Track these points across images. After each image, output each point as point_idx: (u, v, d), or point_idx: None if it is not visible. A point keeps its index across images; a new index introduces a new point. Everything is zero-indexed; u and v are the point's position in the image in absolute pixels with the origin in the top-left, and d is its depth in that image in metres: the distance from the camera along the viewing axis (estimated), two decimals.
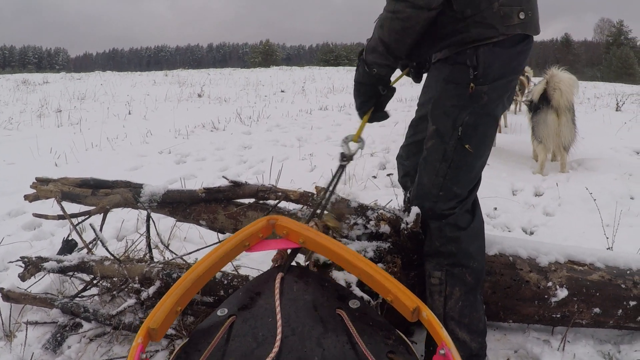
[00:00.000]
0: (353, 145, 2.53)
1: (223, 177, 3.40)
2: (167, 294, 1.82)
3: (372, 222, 2.75)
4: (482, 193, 2.64)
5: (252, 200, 3.30)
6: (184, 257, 3.20)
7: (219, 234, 3.35)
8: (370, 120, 2.46)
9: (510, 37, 2.15)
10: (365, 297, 2.14)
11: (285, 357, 1.57)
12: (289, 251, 2.19)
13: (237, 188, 3.26)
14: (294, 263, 2.18)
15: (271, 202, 3.27)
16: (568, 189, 5.89)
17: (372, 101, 2.37)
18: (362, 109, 2.41)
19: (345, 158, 2.56)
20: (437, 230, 2.42)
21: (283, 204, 3.28)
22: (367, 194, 5.37)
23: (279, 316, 1.72)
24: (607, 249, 3.76)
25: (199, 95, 16.76)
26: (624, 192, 5.79)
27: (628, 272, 2.76)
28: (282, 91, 19.01)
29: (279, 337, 1.62)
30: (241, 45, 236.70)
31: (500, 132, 10.00)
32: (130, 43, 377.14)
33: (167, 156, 7.51)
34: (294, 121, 10.75)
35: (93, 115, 12.26)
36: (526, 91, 12.04)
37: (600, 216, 4.27)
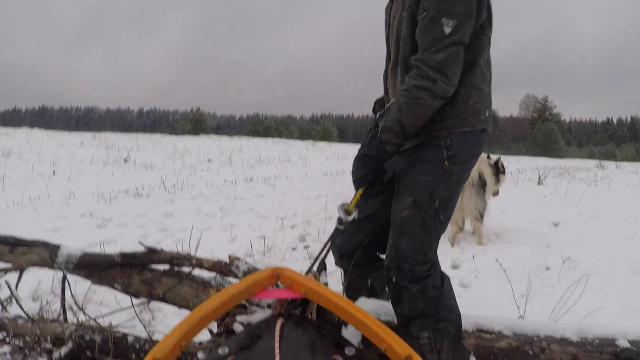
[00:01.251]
0: (347, 213, 2.66)
1: (139, 242, 3.46)
2: (174, 329, 1.86)
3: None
4: None
5: (167, 266, 3.36)
6: (97, 320, 3.23)
7: (132, 298, 3.37)
8: (363, 192, 2.66)
9: (476, 129, 2.53)
10: None
11: None
12: (288, 299, 2.25)
13: (152, 254, 3.32)
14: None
15: (186, 269, 3.34)
16: (485, 260, 6.11)
17: (374, 174, 2.61)
18: (363, 180, 2.62)
19: (342, 224, 2.70)
20: (420, 293, 2.53)
21: (198, 272, 3.35)
22: (285, 265, 5.44)
23: (277, 358, 1.70)
24: (519, 317, 3.96)
25: (125, 160, 16.71)
26: (540, 263, 6.08)
27: (536, 338, 2.89)
28: (209, 160, 19.07)
29: None
30: (172, 111, 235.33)
31: None
32: (60, 101, 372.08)
33: (88, 220, 7.47)
34: (218, 191, 10.81)
35: (17, 172, 12.13)
36: None
37: (511, 287, 4.46)
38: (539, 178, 15.67)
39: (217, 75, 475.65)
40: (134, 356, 2.88)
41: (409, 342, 2.33)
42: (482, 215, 7.33)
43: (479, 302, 4.74)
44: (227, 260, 3.22)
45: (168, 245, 6.14)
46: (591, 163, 30.84)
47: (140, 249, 3.37)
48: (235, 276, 3.14)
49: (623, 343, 3.07)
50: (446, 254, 6.51)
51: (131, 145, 23.95)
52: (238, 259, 3.19)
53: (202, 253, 5.68)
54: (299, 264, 5.25)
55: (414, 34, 2.48)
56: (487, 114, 2.57)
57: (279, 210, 8.75)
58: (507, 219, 8.35)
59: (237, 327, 2.43)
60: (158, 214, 8.13)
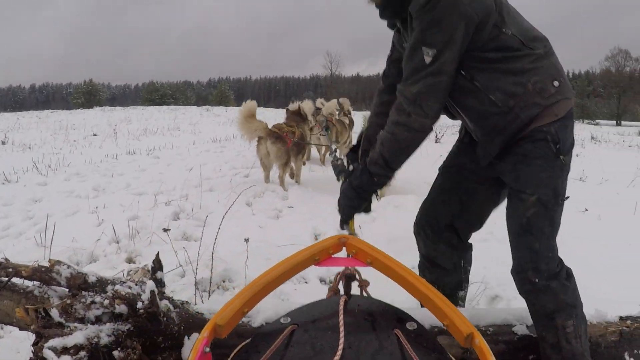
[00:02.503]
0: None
1: None
2: (237, 295, 1.92)
3: (106, 302, 2.55)
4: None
5: None
6: None
7: None
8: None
9: (568, 113, 2.47)
10: None
11: None
12: (340, 284, 2.31)
13: None
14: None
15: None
16: (374, 228, 6.19)
17: (366, 203, 2.76)
18: (358, 209, 2.76)
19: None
20: (561, 287, 2.59)
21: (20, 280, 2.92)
22: (151, 250, 5.13)
23: (342, 329, 1.76)
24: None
25: (3, 143, 15.69)
26: None
27: None
28: (94, 134, 18.27)
29: (340, 347, 1.67)
30: (65, 85, 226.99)
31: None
32: None
33: None
34: (96, 168, 10.25)
35: None
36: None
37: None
38: (436, 136, 15.70)
39: (112, 45, 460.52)
40: None
41: (553, 333, 2.64)
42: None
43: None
44: (48, 265, 2.83)
45: (30, 235, 5.68)
46: None
47: None
48: (58, 284, 2.77)
49: (521, 329, 2.96)
50: None
51: (12, 125, 22.67)
52: (59, 262, 2.81)
53: (64, 242, 5.31)
54: (166, 247, 4.88)
55: None
56: (555, 84, 2.44)
57: (158, 184, 8.30)
58: (401, 181, 8.31)
59: (47, 354, 2.26)
60: (25, 200, 7.51)
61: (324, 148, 11.98)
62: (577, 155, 14.15)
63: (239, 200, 7.26)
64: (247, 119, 8.42)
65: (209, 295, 4.09)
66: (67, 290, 2.77)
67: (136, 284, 2.72)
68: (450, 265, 3.18)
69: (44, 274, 2.81)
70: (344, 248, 2.31)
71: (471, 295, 3.99)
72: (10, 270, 2.85)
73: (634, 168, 12.71)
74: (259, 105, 8.93)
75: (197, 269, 4.23)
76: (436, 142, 15.25)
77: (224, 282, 4.47)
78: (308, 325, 1.90)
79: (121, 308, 2.53)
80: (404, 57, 2.45)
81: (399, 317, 1.95)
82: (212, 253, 4.41)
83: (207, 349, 1.68)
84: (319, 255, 2.24)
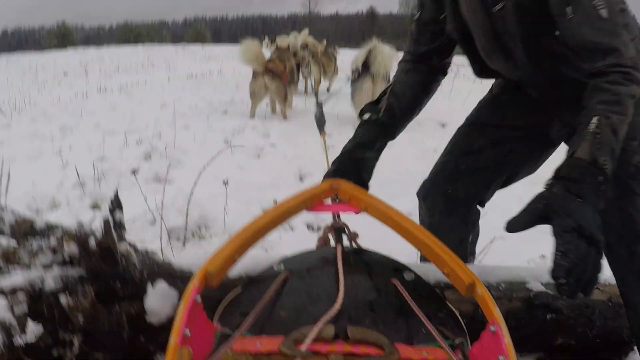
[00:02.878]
0: None
1: None
2: (227, 243, 1.84)
3: (53, 241, 2.15)
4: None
5: None
6: None
7: None
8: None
9: None
10: None
11: (339, 316, 1.60)
12: (330, 236, 2.26)
13: None
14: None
15: None
16: None
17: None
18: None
19: None
20: None
21: None
22: (119, 195, 4.65)
23: (341, 277, 1.75)
24: None
25: None
26: (426, 172, 5.53)
27: None
28: (65, 74, 17.62)
29: (341, 295, 1.66)
30: (38, 29, 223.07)
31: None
32: None
33: None
34: (64, 107, 9.71)
35: None
36: (338, 62, 13.00)
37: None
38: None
39: None
40: None
41: None
42: None
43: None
44: None
45: None
46: None
47: None
48: (1, 232, 2.31)
49: (536, 286, 2.66)
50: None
51: None
52: (1, 209, 2.37)
53: (23, 187, 4.81)
54: (134, 191, 4.40)
55: (527, 28, 2.04)
56: None
57: (130, 123, 7.80)
58: None
59: None
60: None
61: (310, 80, 11.86)
62: None
63: (216, 138, 6.86)
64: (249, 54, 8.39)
65: (184, 244, 3.66)
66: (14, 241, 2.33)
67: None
68: (457, 240, 2.81)
69: None
70: (337, 194, 2.26)
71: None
72: None
73: None
74: (235, 43, 8.73)
75: (162, 212, 3.87)
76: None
77: (200, 229, 4.07)
78: (302, 273, 1.89)
79: (71, 248, 2.15)
80: (575, 26, 1.89)
81: (396, 267, 1.95)
82: (190, 197, 3.93)
83: (199, 299, 1.61)
84: (311, 201, 2.18)
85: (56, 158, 6.04)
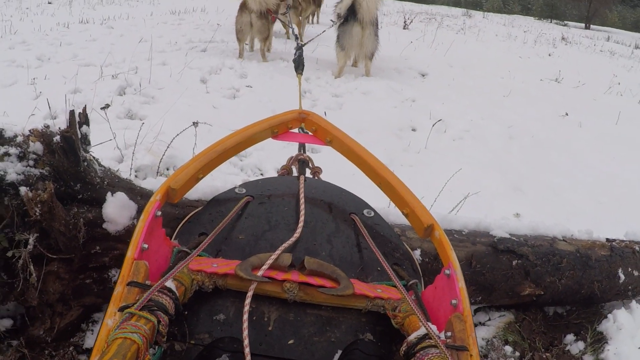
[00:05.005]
0: None
1: None
2: (192, 160, 1.90)
3: (19, 139, 2.22)
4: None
5: None
6: None
7: None
8: None
9: None
10: None
11: (297, 245, 1.67)
12: (293, 168, 2.30)
13: None
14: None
15: None
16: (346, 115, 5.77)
17: None
18: None
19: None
20: None
21: None
22: (89, 129, 4.63)
23: (302, 207, 1.79)
24: None
25: None
26: (405, 122, 5.85)
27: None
28: (49, 2, 17.14)
29: (300, 225, 1.71)
30: None
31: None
32: None
33: None
34: (44, 36, 9.48)
35: None
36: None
37: None
38: (405, 22, 15.15)
39: None
40: None
41: None
42: (373, 55, 7.99)
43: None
44: None
45: None
46: (458, 11, 30.82)
47: None
48: None
49: (500, 232, 2.78)
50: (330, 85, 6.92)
51: None
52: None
53: None
54: (103, 127, 4.37)
55: None
56: None
57: (107, 56, 7.66)
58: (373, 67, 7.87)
59: None
60: None
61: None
62: (549, 55, 13.70)
63: (193, 76, 6.83)
64: None
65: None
66: None
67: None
68: None
69: None
70: (303, 124, 2.30)
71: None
72: None
73: (608, 74, 12.22)
74: None
75: (135, 152, 3.89)
76: (404, 28, 14.66)
77: (167, 169, 4.10)
78: (264, 199, 1.91)
79: (36, 146, 2.21)
80: None
81: (356, 204, 1.97)
82: (173, 138, 3.94)
83: (159, 213, 1.65)
84: (278, 128, 2.22)
85: (30, 88, 5.99)
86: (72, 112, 2.19)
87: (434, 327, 1.32)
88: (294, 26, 10.79)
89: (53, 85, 6.14)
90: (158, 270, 1.57)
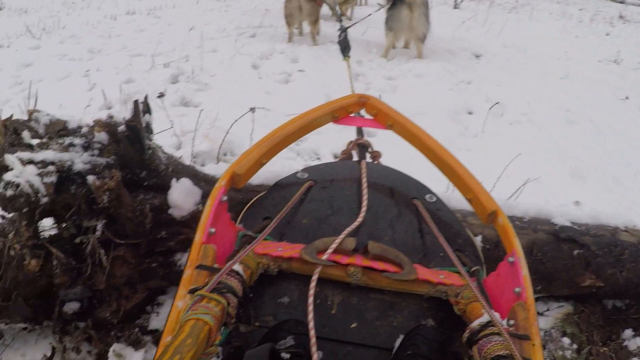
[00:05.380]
0: None
1: None
2: (255, 145, 1.93)
3: (84, 130, 2.29)
4: None
5: None
6: None
7: None
8: None
9: None
10: None
11: (360, 230, 1.66)
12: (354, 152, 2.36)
13: None
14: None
15: None
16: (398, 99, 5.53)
17: None
18: None
19: None
20: None
21: None
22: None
23: (365, 191, 1.79)
24: None
25: None
26: (460, 105, 5.67)
27: None
28: None
29: (363, 209, 1.71)
30: None
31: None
32: None
33: None
34: (92, 29, 9.55)
35: None
36: None
37: None
38: (455, 1, 14.85)
39: None
40: None
41: None
42: (425, 37, 7.65)
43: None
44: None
45: (17, 102, 5.15)
46: None
47: None
48: (36, 134, 2.41)
49: (561, 220, 2.68)
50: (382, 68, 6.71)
51: None
52: (38, 111, 2.48)
53: (50, 109, 4.73)
54: (160, 114, 4.35)
55: None
56: None
57: (157, 45, 7.66)
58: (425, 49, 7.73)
59: (10, 159, 2.09)
60: (15, 66, 6.92)
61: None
62: (607, 34, 13.18)
63: (244, 62, 6.76)
64: None
65: None
66: None
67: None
68: None
69: (22, 125, 2.44)
70: (364, 108, 2.27)
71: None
72: None
73: None
74: None
75: (194, 138, 3.82)
76: (455, 7, 14.36)
77: (225, 155, 4.05)
78: (326, 183, 1.92)
79: (101, 136, 2.27)
80: None
81: (419, 188, 1.95)
82: (232, 124, 3.88)
83: (224, 198, 1.69)
84: (338, 112, 2.22)
85: (84, 80, 6.02)
86: (136, 102, 2.23)
87: (497, 315, 1.32)
88: (338, 8, 10.71)
89: (106, 76, 6.16)
90: (224, 254, 1.59)
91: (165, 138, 4.02)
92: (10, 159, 2.09)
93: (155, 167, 2.42)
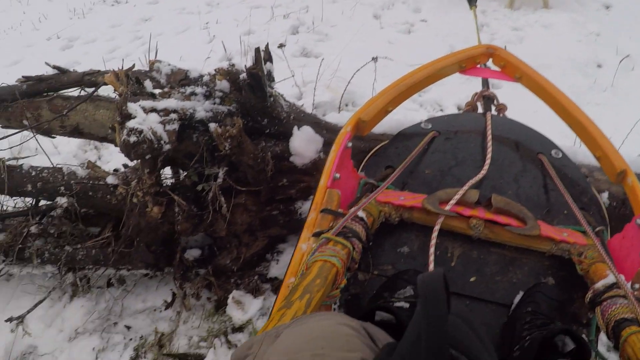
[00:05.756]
0: None
1: (46, 63, 2.96)
2: (381, 93, 1.92)
3: (205, 78, 2.35)
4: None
5: (82, 89, 2.92)
6: None
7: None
8: None
9: None
10: None
11: (483, 182, 1.65)
12: (479, 104, 2.30)
13: (61, 75, 2.85)
14: None
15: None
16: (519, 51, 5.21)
17: None
18: None
19: None
20: None
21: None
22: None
23: (489, 144, 1.76)
24: None
25: None
26: (589, 57, 5.38)
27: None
28: None
29: (488, 162, 1.70)
30: None
31: None
32: None
33: (55, 42, 6.46)
34: None
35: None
36: None
37: None
38: None
39: None
40: (29, 186, 2.49)
41: None
42: None
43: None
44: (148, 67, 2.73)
45: (137, 56, 5.17)
46: None
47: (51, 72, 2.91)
48: (158, 84, 2.56)
49: None
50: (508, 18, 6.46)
51: None
52: (159, 61, 2.64)
53: (171, 62, 4.77)
54: (282, 65, 4.24)
55: None
56: None
57: None
58: None
59: (132, 107, 2.12)
60: (134, 21, 7.00)
61: None
62: None
63: (366, 12, 6.57)
64: None
65: None
66: None
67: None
68: None
69: (143, 75, 2.59)
70: (491, 59, 2.21)
71: None
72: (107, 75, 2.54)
73: None
74: None
75: (315, 89, 3.74)
76: None
77: (346, 105, 3.91)
78: (450, 135, 1.89)
79: (222, 84, 2.31)
80: None
81: (544, 143, 1.92)
82: (353, 74, 3.73)
83: (349, 144, 1.71)
84: (465, 62, 2.15)
85: (203, 32, 6.02)
86: (257, 49, 2.19)
87: (622, 277, 1.28)
88: None
89: (226, 28, 6.12)
90: (346, 200, 1.61)
91: (286, 88, 3.95)
92: (133, 107, 2.11)
93: (277, 115, 2.39)
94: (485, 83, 2.46)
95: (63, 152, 3.75)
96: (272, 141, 2.42)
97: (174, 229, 2.38)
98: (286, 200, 2.57)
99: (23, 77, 2.84)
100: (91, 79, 2.77)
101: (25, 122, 2.82)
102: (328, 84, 3.96)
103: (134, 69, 2.69)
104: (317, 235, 1.39)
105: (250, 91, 2.25)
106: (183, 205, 2.32)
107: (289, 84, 4.02)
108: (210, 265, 2.60)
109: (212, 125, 2.18)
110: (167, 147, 2.11)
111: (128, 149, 2.06)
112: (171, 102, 2.20)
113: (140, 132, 2.04)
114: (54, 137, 3.01)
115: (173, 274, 2.61)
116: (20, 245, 2.50)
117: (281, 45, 5.12)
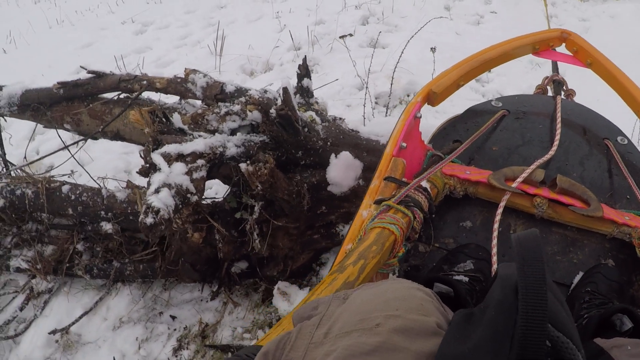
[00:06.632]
0: None
1: (81, 67, 2.95)
2: (454, 67, 1.95)
3: (237, 108, 2.27)
4: None
5: (120, 94, 2.87)
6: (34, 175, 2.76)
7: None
8: None
9: None
10: None
11: (549, 163, 1.68)
12: (549, 88, 2.33)
13: (97, 80, 2.82)
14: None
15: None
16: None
17: None
18: None
19: None
20: None
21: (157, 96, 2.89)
22: (331, 58, 4.66)
23: (559, 126, 1.79)
24: None
25: None
26: None
27: None
28: None
29: (556, 143, 1.72)
30: None
31: None
32: None
33: (129, 26, 6.63)
34: None
35: None
36: None
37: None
38: None
39: None
40: (70, 210, 2.51)
41: None
42: None
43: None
44: (182, 75, 2.62)
45: (206, 44, 5.34)
46: None
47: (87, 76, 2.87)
48: (194, 95, 2.56)
49: None
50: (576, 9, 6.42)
51: None
52: (195, 71, 2.58)
53: (240, 50, 4.92)
54: (344, 56, 4.31)
55: None
56: None
57: None
58: None
59: (156, 158, 2.05)
60: (209, 7, 7.10)
61: None
62: None
63: (437, 3, 6.56)
64: None
65: (388, 112, 3.55)
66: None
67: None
68: None
69: (179, 85, 2.60)
70: (564, 44, 2.25)
71: None
72: (145, 82, 2.66)
73: None
74: None
75: (368, 78, 3.80)
76: None
77: (408, 96, 3.91)
78: (519, 114, 1.94)
79: (254, 115, 2.26)
80: None
81: (611, 129, 1.94)
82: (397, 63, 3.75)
83: (419, 114, 1.73)
84: (539, 45, 2.20)
85: (274, 21, 6.08)
86: (285, 89, 2.13)
87: None
88: None
89: (297, 17, 6.17)
90: (411, 171, 1.63)
91: (348, 79, 3.97)
92: (157, 159, 2.05)
93: (312, 146, 2.36)
94: (555, 68, 2.53)
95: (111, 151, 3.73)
96: (308, 171, 2.40)
97: (217, 251, 2.41)
98: (327, 225, 2.59)
99: (59, 83, 2.83)
100: (127, 85, 2.75)
101: (66, 125, 2.91)
102: (390, 74, 4.00)
103: (159, 105, 2.67)
104: (378, 202, 1.40)
105: (281, 128, 2.23)
106: (222, 232, 2.33)
107: (351, 74, 4.07)
108: (257, 277, 2.63)
109: (243, 166, 2.12)
110: (194, 198, 2.07)
111: (146, 232, 1.98)
112: (199, 145, 2.11)
113: (157, 211, 1.93)
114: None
115: (218, 286, 2.65)
116: (67, 264, 2.57)
117: (343, 36, 5.16)
